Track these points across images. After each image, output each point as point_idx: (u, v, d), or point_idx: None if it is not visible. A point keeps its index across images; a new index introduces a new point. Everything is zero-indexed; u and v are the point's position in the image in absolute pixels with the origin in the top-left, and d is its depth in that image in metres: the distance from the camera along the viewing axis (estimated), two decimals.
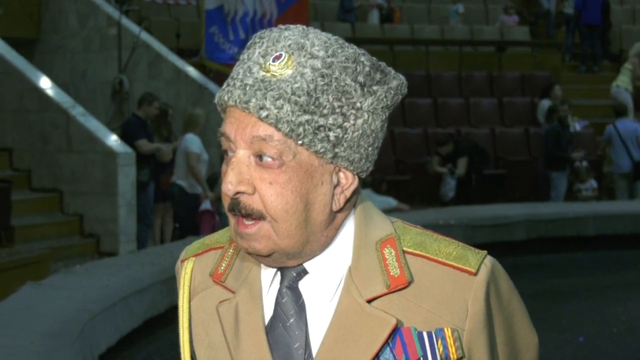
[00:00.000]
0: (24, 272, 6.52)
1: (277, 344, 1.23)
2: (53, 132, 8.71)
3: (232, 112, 1.20)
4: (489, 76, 14.36)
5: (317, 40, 1.20)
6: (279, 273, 1.26)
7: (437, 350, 1.20)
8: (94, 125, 8.53)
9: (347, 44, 1.21)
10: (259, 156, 1.18)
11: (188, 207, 8.40)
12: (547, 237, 8.32)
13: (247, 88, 1.18)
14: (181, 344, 1.33)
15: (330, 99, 1.18)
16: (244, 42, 9.42)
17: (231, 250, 1.32)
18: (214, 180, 8.57)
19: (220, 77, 10.20)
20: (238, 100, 1.18)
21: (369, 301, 1.21)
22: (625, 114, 11.50)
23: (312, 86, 1.17)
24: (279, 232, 1.19)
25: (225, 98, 1.20)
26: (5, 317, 4.53)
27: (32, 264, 6.88)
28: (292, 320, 1.23)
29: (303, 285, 1.24)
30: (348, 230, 1.25)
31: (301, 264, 1.23)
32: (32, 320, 4.40)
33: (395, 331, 1.20)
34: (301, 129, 1.16)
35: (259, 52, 1.21)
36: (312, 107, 1.17)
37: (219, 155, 9.09)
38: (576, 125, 12.18)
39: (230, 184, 1.18)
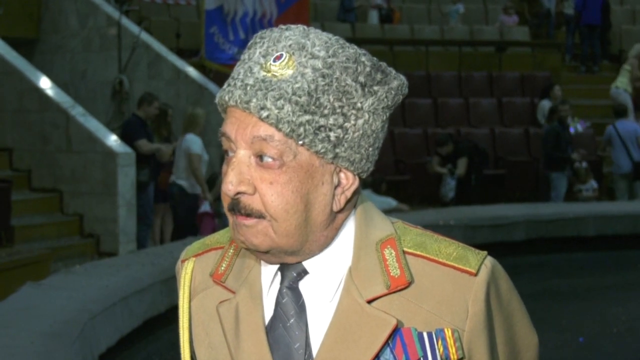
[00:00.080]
0: (24, 272, 6.52)
1: (278, 344, 1.23)
2: (53, 132, 8.71)
3: (233, 112, 1.20)
4: (489, 76, 14.36)
5: (317, 40, 1.20)
6: (279, 273, 1.26)
7: (437, 351, 1.20)
8: (93, 125, 8.53)
9: (347, 44, 1.21)
10: (260, 156, 1.18)
11: (188, 207, 8.40)
12: (547, 237, 8.32)
13: (248, 88, 1.17)
14: (181, 344, 1.33)
15: (331, 99, 1.18)
16: (244, 42, 9.44)
17: (231, 251, 1.32)
18: (214, 180, 8.57)
19: (220, 77, 10.20)
20: (239, 101, 1.18)
21: (369, 302, 1.21)
22: (625, 114, 11.50)
23: (312, 86, 1.17)
24: (278, 231, 1.19)
25: (226, 98, 1.20)
26: (5, 317, 4.53)
27: (32, 264, 6.88)
28: (292, 320, 1.23)
29: (303, 285, 1.24)
30: (348, 231, 1.25)
31: (301, 264, 1.23)
32: (32, 320, 4.40)
33: (396, 332, 1.19)
34: (302, 129, 1.16)
35: (260, 52, 1.21)
36: (313, 107, 1.17)
37: (219, 156, 9.10)
38: (578, 126, 12.19)
39: (230, 184, 1.18)
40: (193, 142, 8.22)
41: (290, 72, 1.17)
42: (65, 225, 8.58)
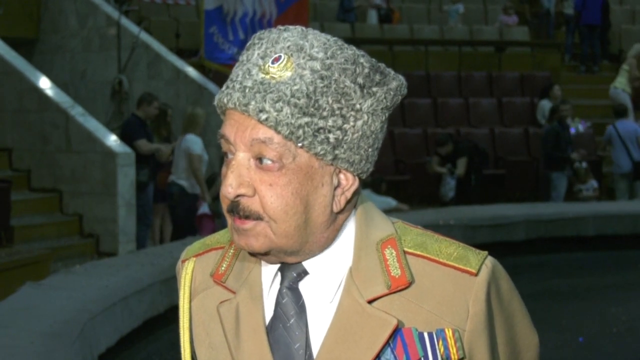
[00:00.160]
0: (24, 272, 6.52)
1: (278, 344, 1.23)
2: (53, 132, 8.71)
3: (232, 115, 1.20)
4: (489, 76, 14.36)
5: (316, 41, 1.20)
6: (279, 274, 1.26)
7: (438, 351, 1.20)
8: (93, 125, 8.53)
9: (346, 45, 1.21)
10: (259, 159, 1.18)
11: (188, 207, 8.40)
12: (547, 237, 8.32)
13: (247, 90, 1.17)
14: (182, 344, 1.33)
15: (330, 101, 1.17)
16: (244, 42, 9.43)
17: (232, 251, 1.32)
18: (213, 180, 8.57)
19: (219, 77, 10.21)
20: (237, 103, 1.18)
21: (370, 302, 1.21)
22: (625, 114, 11.50)
23: (311, 88, 1.17)
24: (277, 232, 1.19)
25: (225, 100, 1.19)
26: (5, 317, 4.53)
27: (31, 264, 6.88)
28: (292, 320, 1.23)
29: (303, 285, 1.24)
30: (349, 231, 1.25)
31: (301, 264, 1.23)
32: (32, 320, 4.40)
33: (396, 332, 1.20)
34: (301, 131, 1.16)
35: (258, 54, 1.20)
36: (312, 109, 1.17)
37: (218, 156, 9.10)
38: (579, 126, 12.19)
39: (230, 187, 1.18)
40: (194, 142, 8.22)
41: (288, 74, 1.17)
42: (65, 225, 8.58)
